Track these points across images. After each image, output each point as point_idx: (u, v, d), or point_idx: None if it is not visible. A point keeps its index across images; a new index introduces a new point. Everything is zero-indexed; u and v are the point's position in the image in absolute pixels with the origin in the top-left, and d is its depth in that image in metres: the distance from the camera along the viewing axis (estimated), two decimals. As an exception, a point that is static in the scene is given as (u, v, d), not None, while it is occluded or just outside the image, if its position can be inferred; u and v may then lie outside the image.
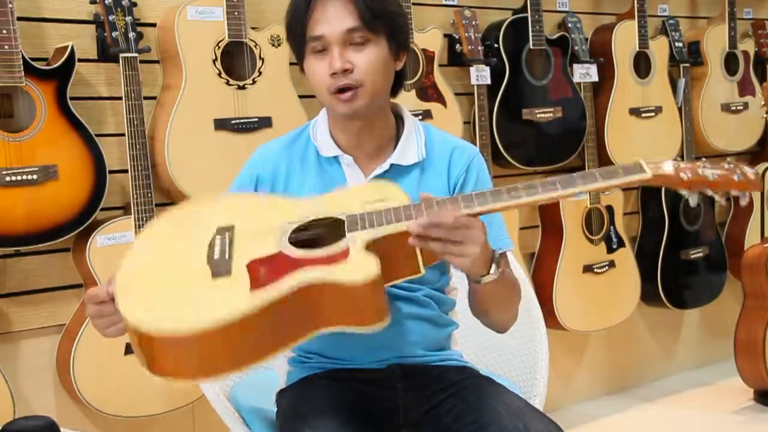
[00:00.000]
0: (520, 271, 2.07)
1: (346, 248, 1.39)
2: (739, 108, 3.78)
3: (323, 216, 1.48)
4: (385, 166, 1.64)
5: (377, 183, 1.59)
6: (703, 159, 1.47)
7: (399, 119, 1.70)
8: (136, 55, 2.35)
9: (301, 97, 2.60)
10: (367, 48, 1.57)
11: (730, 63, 3.76)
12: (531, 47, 3.12)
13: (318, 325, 1.36)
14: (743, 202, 1.44)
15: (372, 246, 1.40)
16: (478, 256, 1.42)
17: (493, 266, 1.48)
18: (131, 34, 2.34)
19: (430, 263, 1.43)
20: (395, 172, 1.65)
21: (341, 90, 1.56)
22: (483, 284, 1.49)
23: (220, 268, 1.39)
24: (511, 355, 2.03)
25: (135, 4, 2.40)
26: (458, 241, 1.40)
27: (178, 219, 1.58)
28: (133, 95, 2.34)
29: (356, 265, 1.36)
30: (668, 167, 1.44)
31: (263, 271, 1.38)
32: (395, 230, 1.41)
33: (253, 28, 2.55)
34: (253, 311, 1.29)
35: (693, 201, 1.48)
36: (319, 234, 1.49)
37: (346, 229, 1.43)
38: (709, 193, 1.44)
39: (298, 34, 1.58)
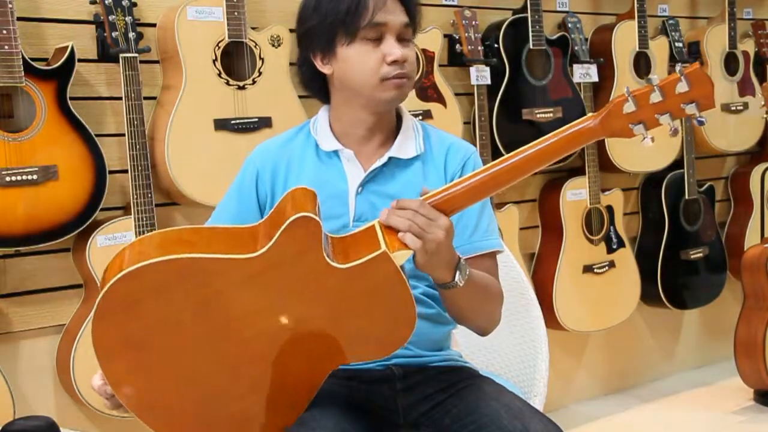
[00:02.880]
0: (520, 271, 2.08)
1: None
2: (739, 108, 3.78)
3: None
4: (384, 159, 1.65)
5: None
6: (653, 82, 1.41)
7: (397, 117, 1.72)
8: (136, 55, 2.35)
9: (301, 97, 2.60)
10: (411, 46, 1.64)
11: (730, 63, 3.76)
12: (531, 47, 3.12)
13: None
14: (700, 120, 1.39)
15: (337, 240, 1.44)
16: (443, 258, 1.44)
17: (458, 273, 1.48)
18: (131, 34, 2.34)
19: (394, 249, 1.41)
20: (394, 166, 1.66)
21: (394, 77, 1.59)
22: (451, 291, 1.50)
23: None
24: (511, 355, 2.03)
25: (135, 4, 2.40)
26: (422, 228, 1.41)
27: None
28: (133, 95, 2.34)
29: None
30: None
31: None
32: (360, 228, 1.46)
33: (253, 28, 2.55)
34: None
35: (646, 141, 1.45)
36: None
37: None
38: (661, 120, 1.41)
39: (356, 18, 1.57)
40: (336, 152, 1.67)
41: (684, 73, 1.38)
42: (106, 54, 2.42)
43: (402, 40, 1.60)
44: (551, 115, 3.18)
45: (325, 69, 1.64)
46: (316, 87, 1.70)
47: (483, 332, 1.67)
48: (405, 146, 1.67)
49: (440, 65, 3.00)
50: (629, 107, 1.42)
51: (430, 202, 1.44)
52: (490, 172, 1.45)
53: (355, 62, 1.59)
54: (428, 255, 1.42)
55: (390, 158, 1.65)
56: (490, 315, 1.64)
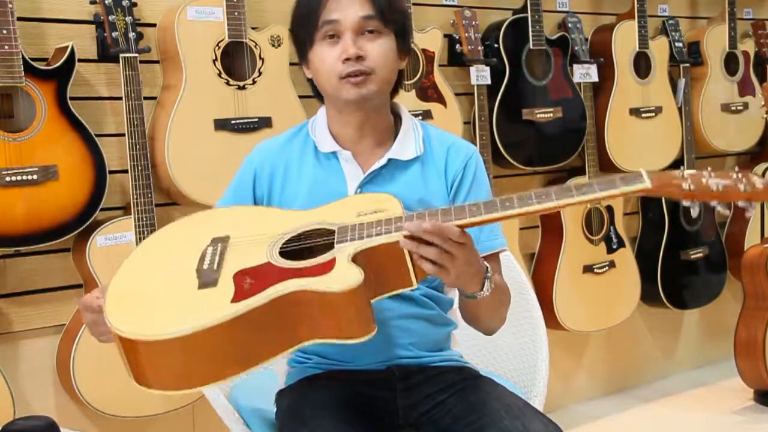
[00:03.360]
0: (520, 271, 2.08)
1: (333, 259, 1.38)
2: (739, 108, 3.78)
3: (315, 227, 1.47)
4: (383, 160, 1.65)
5: (375, 194, 1.56)
6: (709, 169, 1.35)
7: (397, 118, 1.71)
8: (136, 55, 2.35)
9: (301, 97, 2.60)
10: (379, 39, 1.59)
11: (730, 63, 3.76)
12: (531, 47, 3.12)
13: (300, 337, 1.34)
14: (749, 214, 1.35)
15: (360, 256, 1.38)
16: (470, 274, 1.42)
17: (486, 282, 1.46)
18: (131, 34, 2.34)
19: (422, 277, 1.39)
20: (393, 167, 1.66)
21: (351, 75, 1.57)
22: (476, 300, 1.48)
23: (207, 278, 1.39)
24: (511, 355, 2.03)
25: (135, 4, 2.40)
26: (453, 255, 1.36)
27: (175, 231, 1.58)
28: (133, 95, 2.34)
29: (338, 275, 1.34)
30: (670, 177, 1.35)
31: (248, 281, 1.37)
32: (385, 240, 1.38)
33: (253, 28, 2.55)
34: (225, 320, 1.28)
35: (695, 211, 1.43)
36: (310, 245, 1.48)
37: (335, 239, 1.42)
38: (712, 204, 1.35)
39: (310, 20, 1.58)
40: (334, 153, 1.67)
41: (750, 203, 1.33)
42: (106, 54, 2.41)
43: (366, 33, 1.58)
44: (551, 115, 3.18)
45: (308, 74, 1.67)
46: (315, 90, 1.71)
47: (491, 333, 1.67)
48: (404, 147, 1.66)
49: (440, 65, 2.99)
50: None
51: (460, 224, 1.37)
52: (522, 210, 1.36)
53: (318, 64, 1.60)
54: (454, 278, 1.40)
55: (389, 160, 1.65)
56: (501, 317, 1.65)
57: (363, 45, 1.57)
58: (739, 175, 1.33)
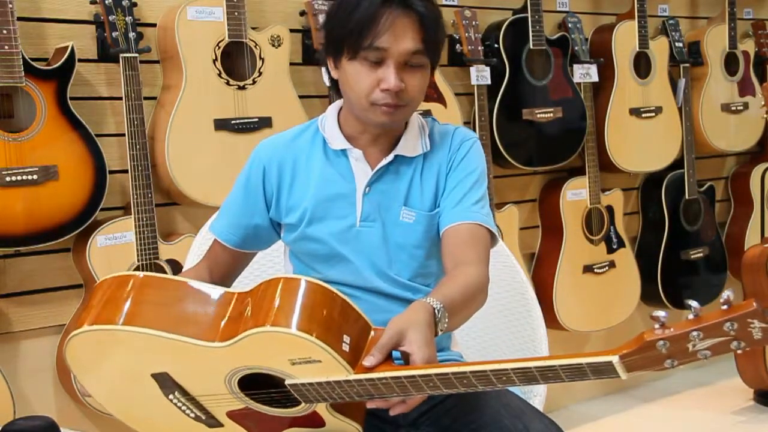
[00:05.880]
0: (520, 271, 2.08)
1: (314, 412, 1.43)
2: (739, 108, 3.78)
3: (258, 371, 1.41)
4: (390, 157, 1.66)
5: (288, 336, 1.33)
6: (695, 332, 1.23)
7: None
8: (136, 55, 2.35)
9: (301, 97, 2.60)
10: (420, 72, 1.58)
11: (730, 63, 3.76)
12: (531, 47, 3.12)
13: None
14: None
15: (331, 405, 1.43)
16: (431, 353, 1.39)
17: (439, 327, 1.43)
18: (131, 34, 2.34)
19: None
20: (399, 163, 1.67)
21: (383, 104, 1.56)
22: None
23: (210, 422, 1.50)
24: (511, 355, 2.03)
25: (135, 4, 2.40)
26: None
27: (93, 356, 1.47)
28: (133, 95, 2.34)
29: (337, 428, 1.44)
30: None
31: (248, 423, 1.48)
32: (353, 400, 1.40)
33: (253, 28, 2.55)
34: None
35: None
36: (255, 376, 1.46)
37: (301, 401, 1.40)
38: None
39: (355, 38, 1.54)
40: (344, 151, 1.67)
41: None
42: (106, 54, 2.42)
43: (409, 65, 1.56)
44: (551, 115, 3.18)
45: (333, 73, 1.64)
46: (335, 85, 1.69)
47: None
48: (411, 144, 1.67)
49: (440, 65, 2.99)
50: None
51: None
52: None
53: (352, 78, 1.58)
54: None
55: (396, 156, 1.66)
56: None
57: (405, 78, 1.55)
58: (734, 326, 1.20)
